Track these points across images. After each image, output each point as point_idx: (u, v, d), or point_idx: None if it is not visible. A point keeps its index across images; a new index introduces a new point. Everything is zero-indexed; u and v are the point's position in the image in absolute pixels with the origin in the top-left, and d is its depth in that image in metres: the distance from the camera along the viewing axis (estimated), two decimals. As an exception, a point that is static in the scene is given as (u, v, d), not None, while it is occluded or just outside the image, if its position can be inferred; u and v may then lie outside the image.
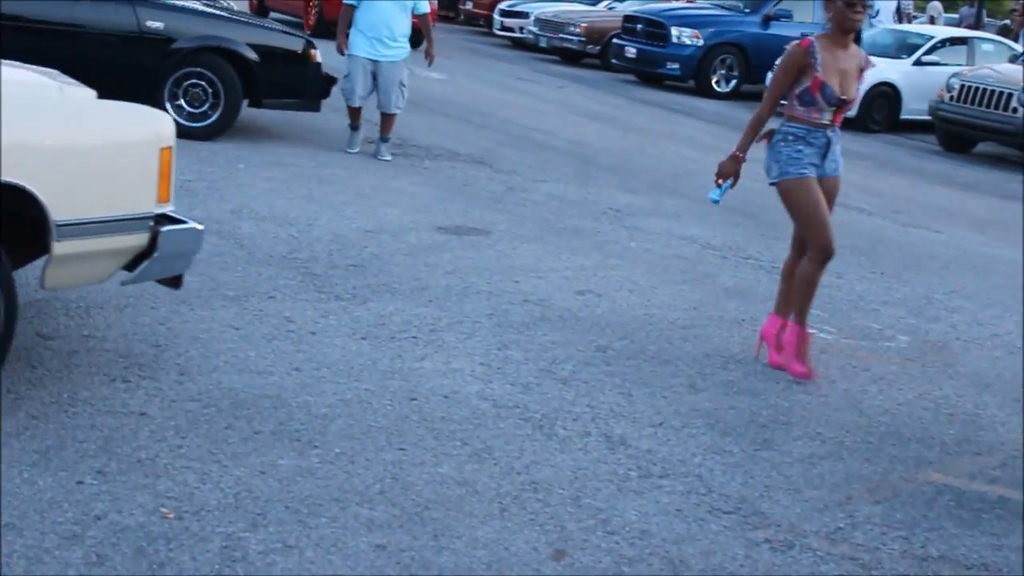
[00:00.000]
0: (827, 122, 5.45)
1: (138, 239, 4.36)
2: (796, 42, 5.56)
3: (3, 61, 4.57)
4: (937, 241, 9.61)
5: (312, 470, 4.05)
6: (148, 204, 4.36)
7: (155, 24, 9.18)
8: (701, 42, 18.91)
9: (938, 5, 28.00)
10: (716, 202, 5.68)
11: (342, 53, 10.08)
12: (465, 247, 7.28)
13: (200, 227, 4.60)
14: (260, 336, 5.24)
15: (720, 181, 5.61)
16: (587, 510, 4.00)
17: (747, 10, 19.68)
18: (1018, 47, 19.30)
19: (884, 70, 16.99)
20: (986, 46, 18.64)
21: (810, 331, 5.66)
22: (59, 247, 4.10)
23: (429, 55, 10.50)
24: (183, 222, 4.51)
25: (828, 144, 5.48)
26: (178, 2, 9.83)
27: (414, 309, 5.90)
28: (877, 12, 23.66)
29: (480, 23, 26.99)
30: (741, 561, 3.79)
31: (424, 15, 10.24)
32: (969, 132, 15.50)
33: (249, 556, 3.44)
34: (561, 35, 21.95)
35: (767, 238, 8.60)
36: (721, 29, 19.20)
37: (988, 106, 15.31)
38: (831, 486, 4.44)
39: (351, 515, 3.77)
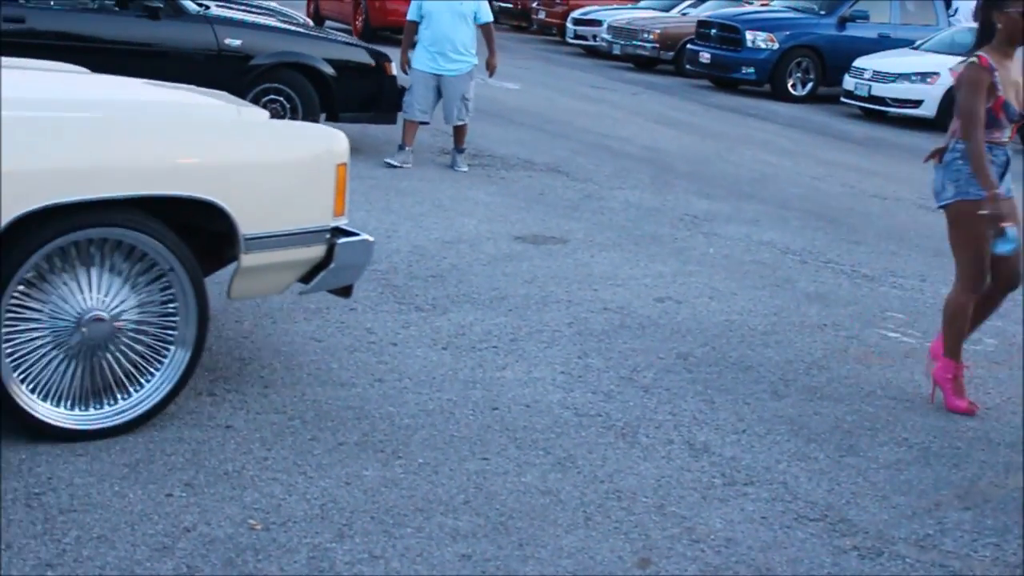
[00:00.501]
0: (1006, 139, 5.20)
1: (316, 251, 4.59)
2: (972, 62, 5.18)
3: (180, 85, 4.76)
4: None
5: (396, 480, 4.07)
6: (326, 218, 4.58)
7: (233, 42, 9.30)
8: (776, 46, 18.76)
9: (1018, 2, 27.50)
10: (1010, 251, 5.06)
11: (406, 71, 10.13)
12: (543, 256, 7.29)
13: (371, 239, 4.81)
14: (342, 348, 5.28)
15: (1004, 225, 4.96)
16: (672, 518, 3.98)
17: (822, 12, 19.48)
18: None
19: (964, 69, 16.72)
20: (1069, 42, 18.27)
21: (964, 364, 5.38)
22: (247, 259, 4.35)
23: (491, 65, 10.46)
24: (355, 234, 4.71)
25: (1007, 162, 5.20)
26: (255, 19, 9.96)
27: (494, 319, 5.91)
28: (956, 10, 23.36)
29: (553, 32, 27.01)
30: (829, 569, 3.75)
31: (487, 24, 10.17)
32: (1052, 130, 15.23)
33: (336, 566, 3.47)
34: (635, 42, 21.90)
35: (847, 242, 8.51)
36: (796, 32, 19.02)
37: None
38: (919, 492, 4.38)
39: (436, 525, 3.78)
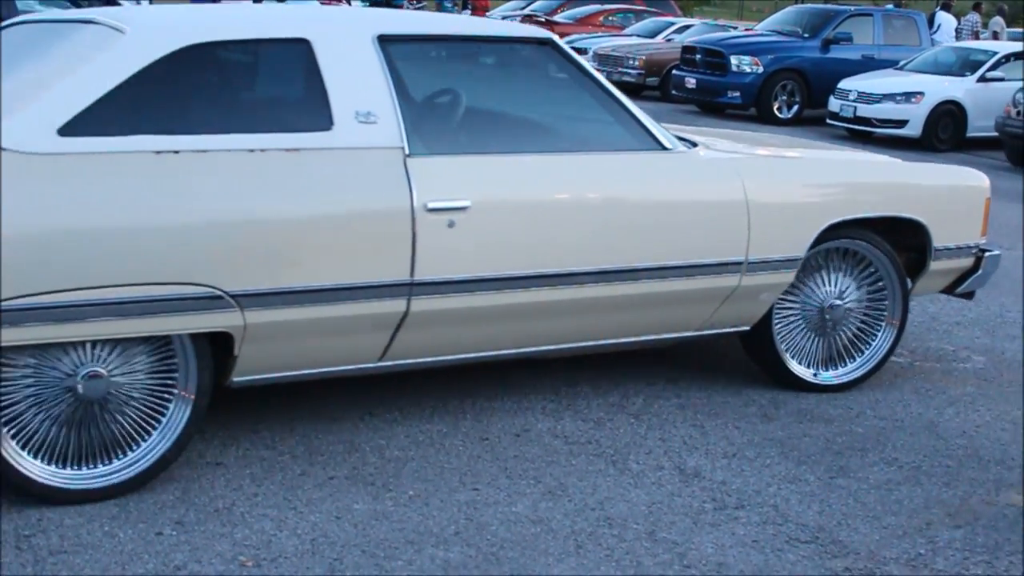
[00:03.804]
0: None
1: (968, 262, 5.84)
2: None
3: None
4: (1009, 259, 9.47)
5: (387, 513, 4.07)
6: (975, 236, 5.80)
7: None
8: (761, 69, 18.83)
9: (1000, 20, 27.72)
10: None
11: None
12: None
13: (998, 252, 5.99)
14: (331, 381, 5.27)
15: None
16: (663, 544, 3.98)
17: (806, 35, 19.59)
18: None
19: (948, 88, 16.84)
20: (1051, 59, 18.38)
21: None
22: (934, 265, 5.69)
23: None
24: (990, 250, 5.90)
25: None
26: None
27: (483, 349, 5.91)
28: (938, 27, 23.51)
29: (539, 61, 27.09)
30: (821, 591, 3.76)
31: None
32: (1038, 147, 15.31)
33: (327, 601, 3.47)
34: (621, 69, 21.99)
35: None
36: (781, 55, 19.11)
37: (1056, 120, 15.11)
38: (910, 512, 4.38)
39: (427, 557, 3.79)
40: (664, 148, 5.00)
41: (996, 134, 16.02)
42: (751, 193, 5.06)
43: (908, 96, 16.56)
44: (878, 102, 16.76)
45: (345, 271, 4.20)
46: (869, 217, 5.42)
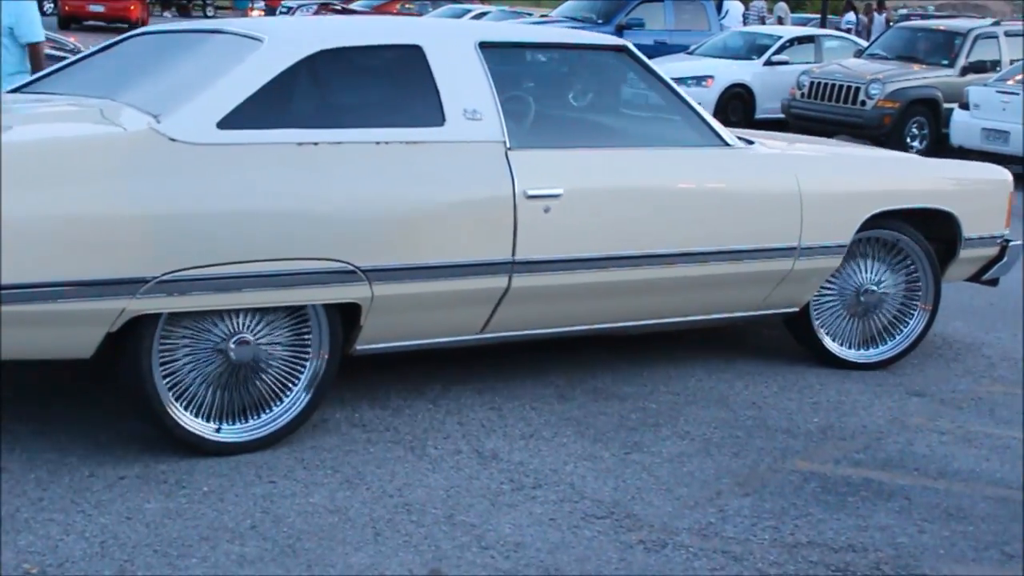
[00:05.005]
0: None
1: (993, 251, 6.32)
2: None
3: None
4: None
5: (180, 511, 3.99)
6: (1000, 227, 6.29)
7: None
8: (557, 55, 19.05)
9: (784, 6, 28.68)
10: None
11: None
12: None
13: (1020, 242, 6.45)
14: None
15: None
16: (461, 527, 4.00)
17: (600, 21, 19.90)
18: (863, 43, 19.85)
19: (737, 71, 17.36)
20: (832, 43, 19.10)
21: None
22: (963, 253, 6.18)
23: None
24: (1013, 240, 6.36)
25: None
26: None
27: (280, 340, 5.84)
28: (726, 13, 24.18)
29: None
30: (616, 564, 3.83)
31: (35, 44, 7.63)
32: (822, 127, 15.82)
33: (117, 604, 3.38)
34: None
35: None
36: (576, 41, 19.36)
37: (838, 101, 15.71)
38: (701, 483, 4.51)
39: (222, 553, 3.72)
40: (727, 144, 5.54)
41: (783, 115, 16.60)
42: (803, 185, 5.59)
43: (699, 80, 17.00)
44: (670, 86, 17.14)
45: (457, 250, 4.72)
46: (907, 208, 5.93)
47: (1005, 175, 6.38)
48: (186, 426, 4.39)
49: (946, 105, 15.37)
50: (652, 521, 4.15)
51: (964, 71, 15.93)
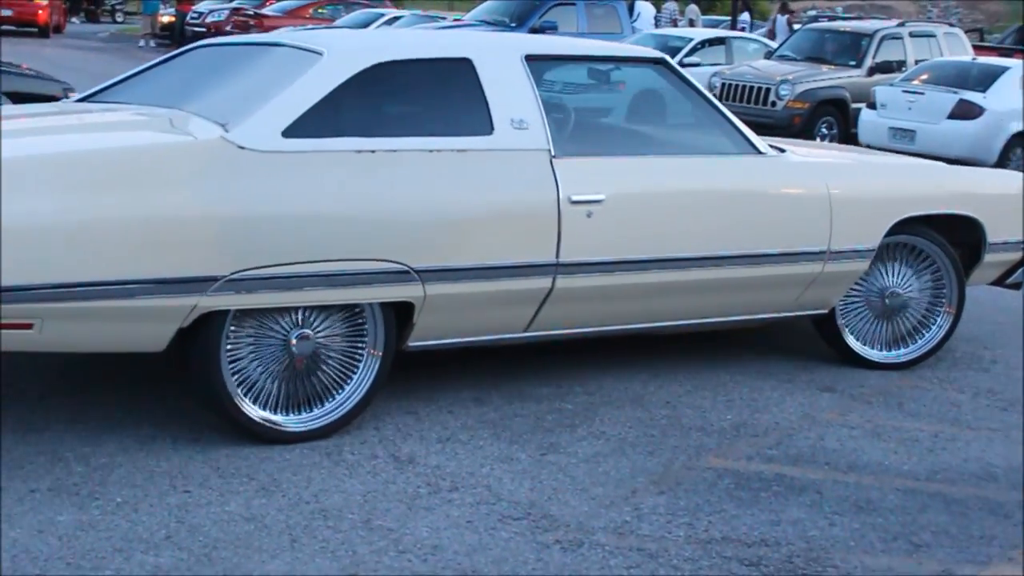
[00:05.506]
0: None
1: (1016, 255, 6.53)
2: None
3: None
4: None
5: (93, 523, 3.95)
6: (1022, 232, 6.41)
7: None
8: (471, 59, 19.06)
9: (695, 8, 28.96)
10: None
11: None
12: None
13: None
14: (32, 392, 5.08)
15: None
16: (378, 532, 4.01)
17: (513, 24, 19.97)
18: (773, 44, 20.12)
19: (649, 74, 17.46)
20: (742, 44, 19.37)
21: None
22: (987, 258, 6.37)
23: None
24: None
25: None
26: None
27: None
28: (638, 15, 24.38)
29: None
30: (533, 565, 3.86)
31: None
32: (733, 128, 16.10)
33: (29, 618, 3.34)
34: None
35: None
36: (489, 44, 19.39)
37: (750, 101, 15.93)
38: (616, 482, 4.55)
39: (136, 564, 3.69)
40: (760, 152, 5.75)
41: (695, 117, 16.74)
42: (833, 192, 5.78)
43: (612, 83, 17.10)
44: (585, 89, 17.25)
45: (504, 252, 4.94)
46: (932, 214, 6.12)
47: (1020, 182, 6.58)
48: (251, 415, 4.63)
49: (854, 105, 15.67)
50: (568, 521, 4.19)
51: (871, 71, 16.26)
